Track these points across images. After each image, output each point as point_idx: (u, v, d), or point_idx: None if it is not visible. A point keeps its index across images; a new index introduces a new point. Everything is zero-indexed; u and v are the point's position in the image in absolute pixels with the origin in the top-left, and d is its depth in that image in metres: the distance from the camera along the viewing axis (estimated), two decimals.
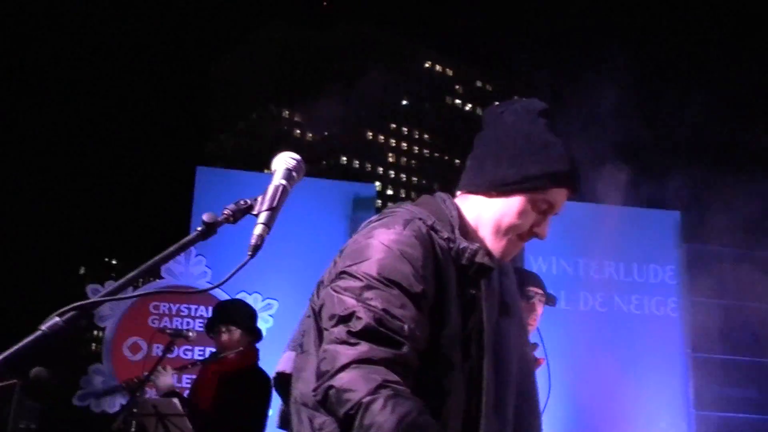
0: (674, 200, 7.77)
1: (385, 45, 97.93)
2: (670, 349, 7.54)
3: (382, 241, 1.91)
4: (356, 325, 1.76)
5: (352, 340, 1.75)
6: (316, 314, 1.96)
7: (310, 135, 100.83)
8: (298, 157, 1.85)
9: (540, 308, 4.55)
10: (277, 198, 1.72)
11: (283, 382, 2.05)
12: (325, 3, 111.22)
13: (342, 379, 1.71)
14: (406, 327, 1.79)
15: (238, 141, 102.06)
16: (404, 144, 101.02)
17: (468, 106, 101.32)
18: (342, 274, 1.88)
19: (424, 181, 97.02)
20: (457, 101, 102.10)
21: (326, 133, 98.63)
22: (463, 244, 1.98)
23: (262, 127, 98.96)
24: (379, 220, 2.03)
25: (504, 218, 2.06)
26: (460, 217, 2.08)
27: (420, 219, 1.99)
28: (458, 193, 2.17)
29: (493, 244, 2.07)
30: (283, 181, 1.77)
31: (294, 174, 1.81)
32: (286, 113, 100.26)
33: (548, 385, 4.56)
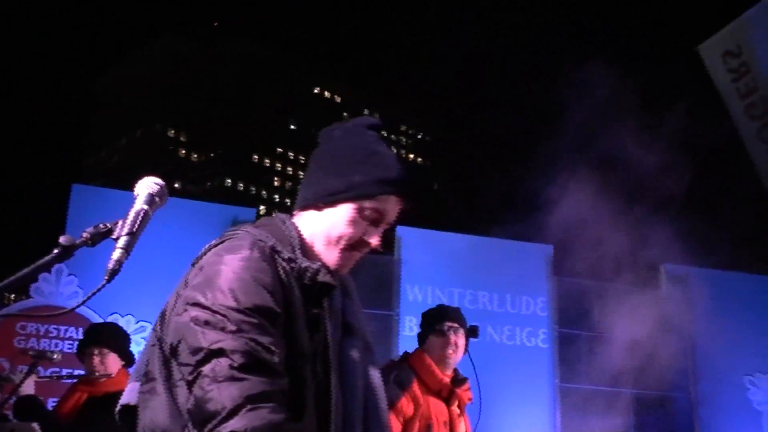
0: (546, 234, 8.00)
1: (275, 68, 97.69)
2: (539, 379, 7.75)
3: (234, 268, 1.86)
4: (236, 359, 1.72)
5: (238, 375, 1.71)
6: (164, 345, 1.90)
7: (195, 155, 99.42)
8: (161, 182, 1.85)
9: (458, 339, 4.59)
10: (137, 223, 1.72)
11: (128, 414, 1.98)
12: (216, 24, 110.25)
13: (241, 422, 1.67)
14: (276, 355, 1.78)
15: (120, 158, 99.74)
16: (290, 168, 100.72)
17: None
18: (196, 305, 1.81)
19: None
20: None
21: (212, 155, 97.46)
22: (305, 263, 1.97)
23: (146, 146, 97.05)
24: (220, 243, 1.98)
25: (334, 229, 2.05)
26: (300, 236, 2.07)
27: (262, 241, 1.95)
28: (294, 212, 2.16)
29: (327, 257, 2.06)
30: (145, 206, 1.77)
31: (156, 199, 1.81)
32: (171, 132, 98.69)
33: (477, 419, 4.66)
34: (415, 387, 4.35)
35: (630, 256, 7.64)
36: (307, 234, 2.09)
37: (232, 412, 1.67)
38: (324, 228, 2.07)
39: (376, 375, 2.16)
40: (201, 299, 1.82)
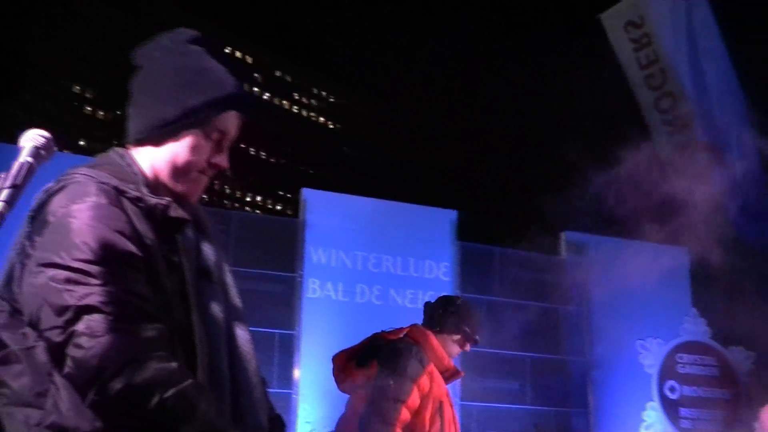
0: (451, 199, 8.07)
1: (183, 26, 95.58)
2: None
3: (84, 219, 1.76)
4: (111, 311, 1.65)
5: (117, 327, 1.64)
6: (15, 310, 1.77)
7: (102, 113, 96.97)
8: (47, 134, 1.75)
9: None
10: (21, 175, 1.63)
11: None
12: None
13: (133, 376, 1.61)
14: (148, 301, 1.72)
15: (24, 114, 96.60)
16: None
17: (266, 95, 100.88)
18: (51, 266, 1.71)
19: None
20: (255, 89, 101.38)
21: (118, 113, 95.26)
22: (153, 200, 1.88)
23: (50, 101, 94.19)
24: (60, 191, 1.84)
25: (178, 158, 1.97)
26: (141, 171, 1.96)
27: (104, 183, 1.84)
28: (129, 146, 2.03)
29: (175, 188, 1.98)
30: (30, 159, 1.68)
31: (42, 152, 1.71)
32: (77, 88, 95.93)
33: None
34: (433, 366, 4.37)
35: (532, 223, 7.78)
36: (148, 168, 1.98)
37: (121, 366, 1.62)
38: (167, 159, 1.97)
39: (242, 331, 2.02)
40: (56, 259, 1.72)
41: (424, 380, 4.30)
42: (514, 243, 8.22)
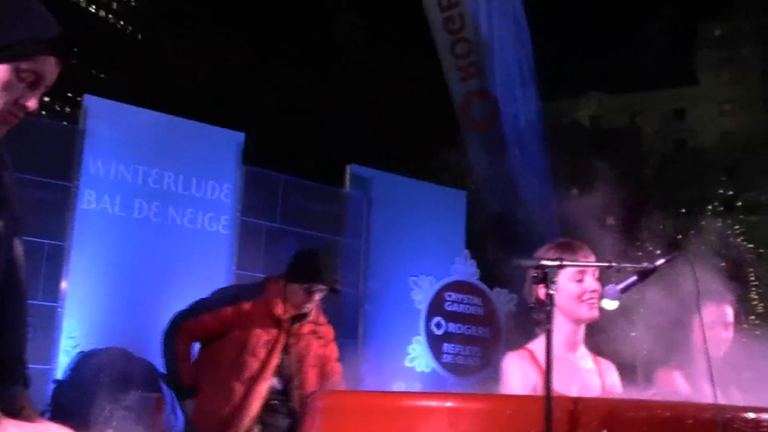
0: (242, 122, 7.95)
1: None
2: (217, 264, 7.75)
3: None
4: None
5: None
6: None
7: None
8: None
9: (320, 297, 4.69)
10: None
11: None
12: None
13: None
14: None
15: None
16: None
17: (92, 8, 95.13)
18: None
19: None
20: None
21: None
22: None
23: None
24: None
25: None
26: None
27: None
28: None
29: None
30: None
31: None
32: None
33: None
34: (256, 307, 4.58)
35: (319, 153, 7.81)
36: None
37: None
38: None
39: (18, 246, 2.01)
40: None
41: (227, 311, 4.56)
42: (299, 172, 8.23)
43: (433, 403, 2.44)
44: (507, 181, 10.66)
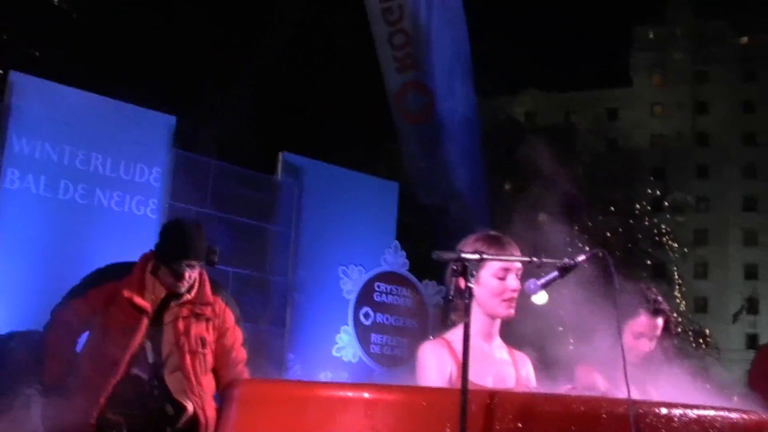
0: (174, 104, 7.83)
1: None
2: (144, 247, 7.60)
3: None
4: None
5: None
6: None
7: None
8: None
9: (192, 273, 4.37)
10: None
11: None
12: None
13: None
14: None
15: None
16: None
17: None
18: None
19: None
20: None
21: None
22: None
23: None
24: None
25: None
26: None
27: None
28: None
29: None
30: None
31: None
32: None
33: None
34: (115, 290, 4.31)
35: (252, 140, 7.75)
36: None
37: None
38: None
39: None
40: None
41: (94, 295, 4.29)
42: (231, 158, 8.15)
43: (350, 394, 2.45)
44: (441, 174, 10.70)
